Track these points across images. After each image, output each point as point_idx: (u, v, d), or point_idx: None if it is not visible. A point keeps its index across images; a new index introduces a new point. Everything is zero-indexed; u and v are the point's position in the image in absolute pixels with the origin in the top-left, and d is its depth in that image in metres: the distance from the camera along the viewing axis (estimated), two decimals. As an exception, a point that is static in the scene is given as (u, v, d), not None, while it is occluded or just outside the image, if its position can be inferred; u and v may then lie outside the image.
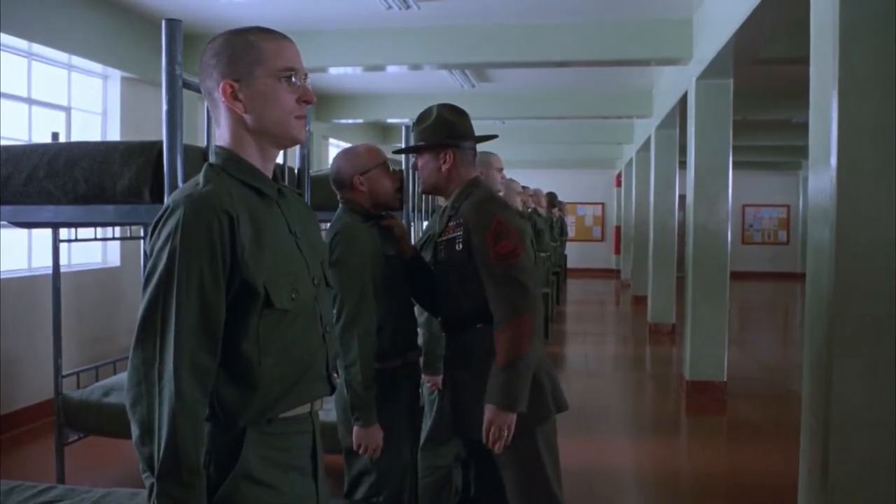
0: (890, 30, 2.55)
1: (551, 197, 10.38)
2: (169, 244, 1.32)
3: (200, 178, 1.42)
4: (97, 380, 4.26)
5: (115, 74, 6.31)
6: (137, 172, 2.38)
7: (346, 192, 2.52)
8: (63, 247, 4.00)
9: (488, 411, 2.17)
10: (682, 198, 7.38)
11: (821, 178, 2.74)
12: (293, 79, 1.44)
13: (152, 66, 6.40)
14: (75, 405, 3.83)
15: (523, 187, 6.59)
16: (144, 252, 1.43)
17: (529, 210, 7.11)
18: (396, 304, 2.49)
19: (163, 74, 2.04)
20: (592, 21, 6.42)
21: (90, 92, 6.30)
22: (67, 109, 6.07)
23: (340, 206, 2.53)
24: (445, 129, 2.40)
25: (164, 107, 2.06)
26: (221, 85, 1.41)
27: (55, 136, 4.14)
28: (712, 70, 5.71)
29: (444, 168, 2.40)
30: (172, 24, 2.02)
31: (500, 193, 3.26)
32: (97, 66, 6.09)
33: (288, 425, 1.46)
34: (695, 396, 6.12)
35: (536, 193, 8.17)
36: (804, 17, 3.62)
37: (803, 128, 11.98)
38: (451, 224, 2.37)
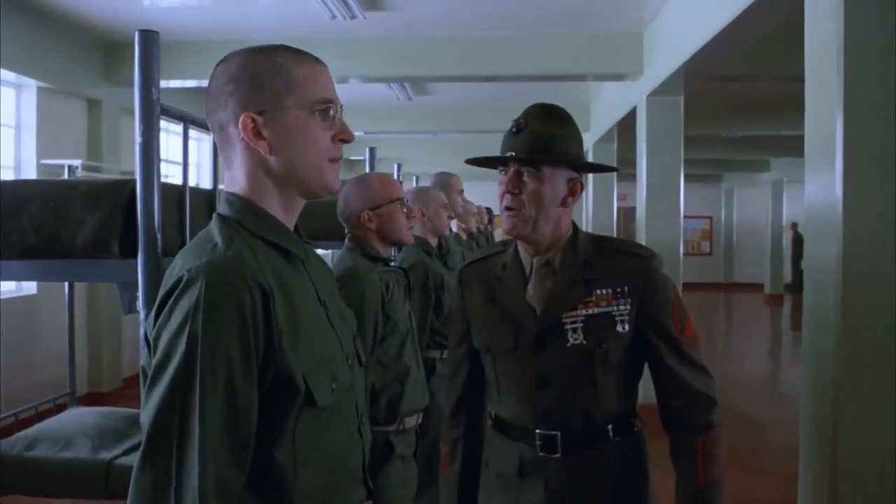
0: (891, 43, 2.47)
1: (490, 213, 10.25)
2: (187, 329, 1.00)
3: (217, 235, 1.10)
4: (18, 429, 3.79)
5: (31, 84, 5.80)
6: (103, 220, 1.87)
7: (352, 228, 2.22)
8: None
9: None
10: (621, 210, 7.33)
11: (824, 192, 2.62)
12: (330, 112, 1.15)
13: (72, 77, 5.95)
14: (-7, 460, 3.38)
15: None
16: (144, 338, 1.10)
17: (482, 229, 6.93)
18: (402, 364, 2.20)
19: (136, 97, 1.66)
20: (542, 35, 6.30)
21: (1, 103, 5.75)
22: (-25, 122, 5.53)
23: (346, 241, 2.23)
24: (581, 148, 1.63)
25: (138, 138, 1.67)
26: (241, 119, 1.10)
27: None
28: (665, 87, 5.66)
29: (570, 202, 1.60)
30: (148, 35, 1.60)
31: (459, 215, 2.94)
32: (11, 76, 5.57)
33: None
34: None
35: (480, 212, 7.99)
36: (766, 36, 3.58)
37: (730, 142, 12.44)
38: (601, 292, 1.57)
